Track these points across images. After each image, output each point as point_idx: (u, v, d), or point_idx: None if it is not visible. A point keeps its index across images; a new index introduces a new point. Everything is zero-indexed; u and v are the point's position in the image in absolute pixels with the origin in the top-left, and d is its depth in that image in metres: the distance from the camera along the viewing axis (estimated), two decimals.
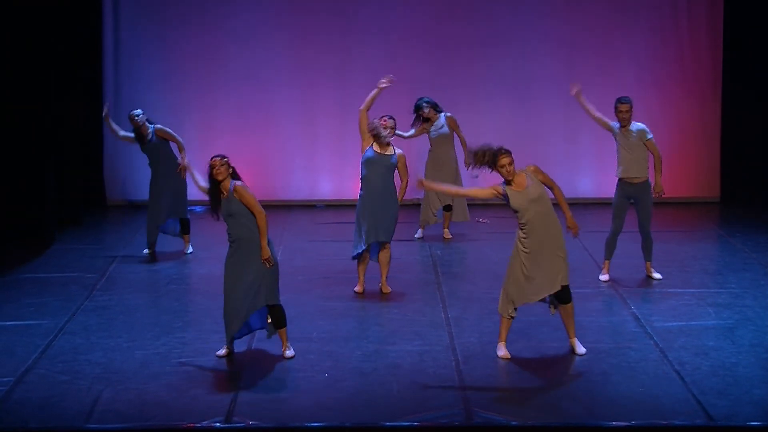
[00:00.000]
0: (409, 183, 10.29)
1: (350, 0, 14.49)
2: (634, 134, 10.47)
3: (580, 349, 8.59)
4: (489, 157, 8.30)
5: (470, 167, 8.54)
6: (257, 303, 8.48)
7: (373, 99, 10.30)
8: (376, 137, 10.11)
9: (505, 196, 8.35)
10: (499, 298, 8.57)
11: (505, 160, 8.29)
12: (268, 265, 8.44)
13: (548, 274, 8.38)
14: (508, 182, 8.36)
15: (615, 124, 10.53)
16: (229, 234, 8.51)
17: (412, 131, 12.52)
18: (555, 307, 8.61)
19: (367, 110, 10.29)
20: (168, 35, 14.46)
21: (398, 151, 10.22)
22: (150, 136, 11.62)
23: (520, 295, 8.46)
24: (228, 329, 8.50)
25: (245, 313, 8.47)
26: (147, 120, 11.63)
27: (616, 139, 10.54)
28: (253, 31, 14.46)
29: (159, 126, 11.70)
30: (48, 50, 12.60)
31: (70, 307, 9.93)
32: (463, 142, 12.43)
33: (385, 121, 10.18)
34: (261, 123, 14.60)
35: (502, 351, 8.58)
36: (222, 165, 8.46)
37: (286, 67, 14.54)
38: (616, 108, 10.49)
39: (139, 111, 11.67)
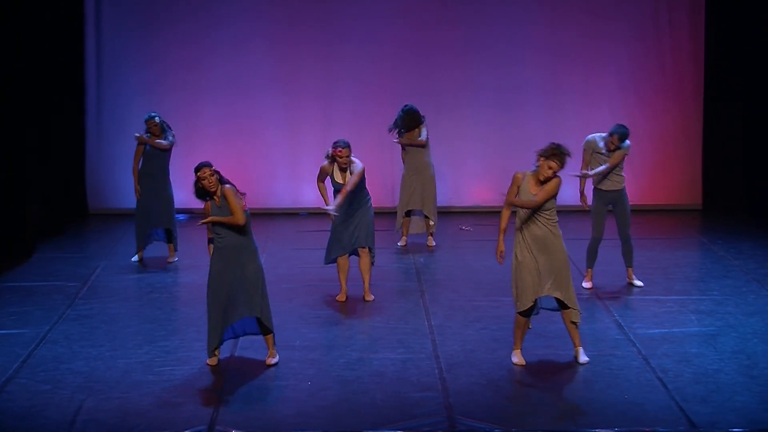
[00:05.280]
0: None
1: (334, 8, 14.47)
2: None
3: (582, 358, 8.61)
4: (553, 151, 8.52)
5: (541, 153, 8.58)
6: (251, 312, 8.45)
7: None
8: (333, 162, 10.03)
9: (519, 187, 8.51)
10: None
11: (555, 165, 8.45)
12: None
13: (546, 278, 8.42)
14: (536, 179, 8.49)
15: (600, 144, 10.66)
16: (217, 241, 8.42)
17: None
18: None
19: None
20: (151, 44, 14.42)
21: (358, 167, 9.95)
22: (170, 139, 11.71)
23: (528, 292, 8.43)
24: (217, 338, 8.46)
25: (234, 321, 8.46)
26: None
27: (595, 153, 10.68)
28: (236, 39, 14.43)
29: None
30: (29, 59, 12.55)
31: (52, 316, 9.89)
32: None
33: (339, 150, 9.95)
34: (244, 131, 14.56)
35: (515, 358, 8.65)
36: (212, 175, 8.29)
37: (270, 75, 14.51)
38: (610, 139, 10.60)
39: (155, 114, 11.76)
